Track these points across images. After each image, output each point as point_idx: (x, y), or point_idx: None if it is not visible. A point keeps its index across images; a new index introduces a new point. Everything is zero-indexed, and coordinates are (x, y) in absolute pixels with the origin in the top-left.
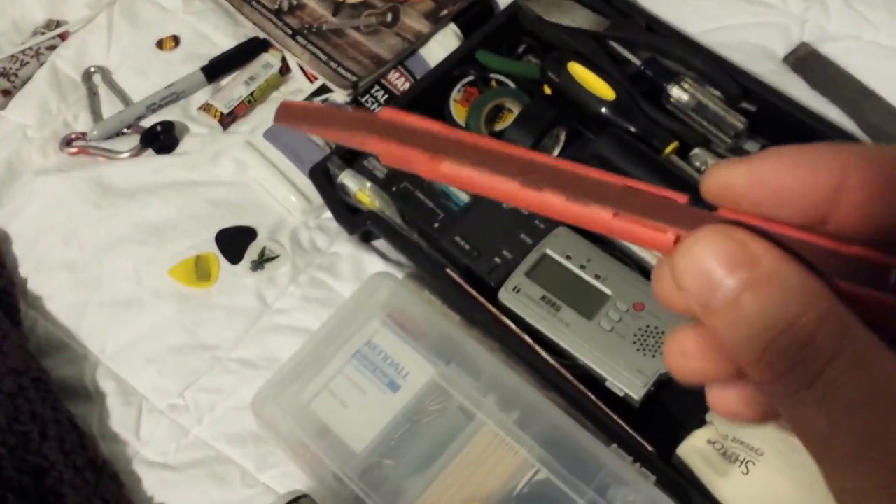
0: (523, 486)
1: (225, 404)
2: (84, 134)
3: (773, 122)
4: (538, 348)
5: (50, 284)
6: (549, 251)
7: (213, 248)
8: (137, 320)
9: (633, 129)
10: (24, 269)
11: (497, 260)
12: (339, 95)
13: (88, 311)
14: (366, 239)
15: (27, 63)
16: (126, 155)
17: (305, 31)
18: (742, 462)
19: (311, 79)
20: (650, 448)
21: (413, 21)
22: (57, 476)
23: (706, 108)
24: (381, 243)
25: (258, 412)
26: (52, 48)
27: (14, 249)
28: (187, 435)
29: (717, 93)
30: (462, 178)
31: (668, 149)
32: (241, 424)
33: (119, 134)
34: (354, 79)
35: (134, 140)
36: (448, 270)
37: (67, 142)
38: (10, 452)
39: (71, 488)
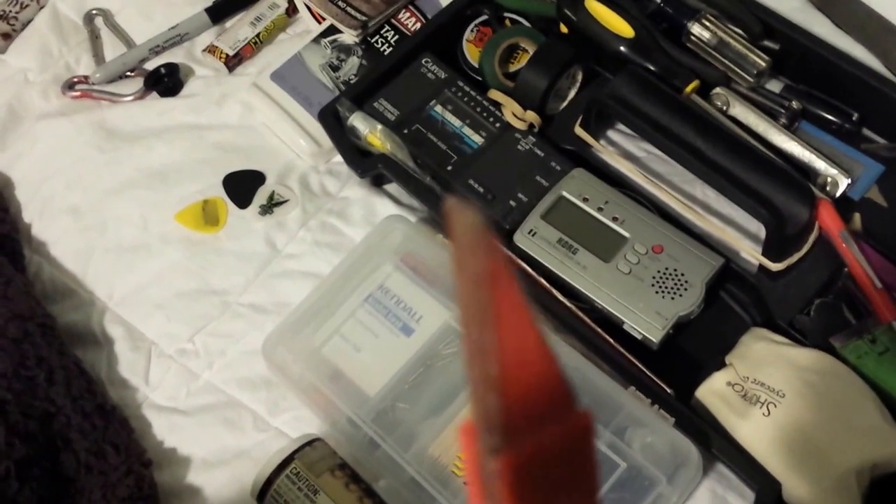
0: None
1: (235, 349)
2: (87, 77)
3: (797, 60)
4: (555, 291)
5: (54, 230)
6: (565, 193)
7: (220, 193)
8: (144, 265)
9: (652, 67)
10: (28, 215)
11: (512, 203)
12: (349, 36)
13: (94, 257)
14: (377, 183)
15: (27, 6)
16: (130, 98)
17: None
18: (763, 404)
19: (318, 19)
20: (669, 390)
21: None
22: (64, 421)
23: (728, 46)
24: (392, 187)
25: (269, 356)
26: None
27: (17, 194)
28: (197, 380)
29: (739, 30)
30: None
31: (689, 87)
32: (253, 369)
33: (122, 77)
34: (364, 19)
35: (137, 83)
36: None
37: (70, 85)
38: (16, 398)
39: (79, 433)
